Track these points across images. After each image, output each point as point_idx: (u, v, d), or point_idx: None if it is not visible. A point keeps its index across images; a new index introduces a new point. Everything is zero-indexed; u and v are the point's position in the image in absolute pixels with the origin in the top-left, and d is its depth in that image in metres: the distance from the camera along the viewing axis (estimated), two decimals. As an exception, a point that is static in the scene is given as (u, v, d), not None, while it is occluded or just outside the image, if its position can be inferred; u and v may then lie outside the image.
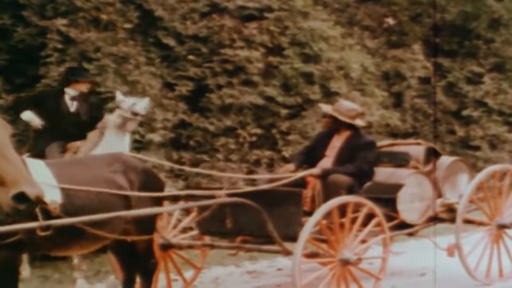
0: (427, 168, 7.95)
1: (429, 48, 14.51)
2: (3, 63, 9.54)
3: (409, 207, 7.50)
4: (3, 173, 4.21)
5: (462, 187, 8.09)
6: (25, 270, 8.22)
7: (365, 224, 6.95)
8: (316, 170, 7.45)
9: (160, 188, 6.49)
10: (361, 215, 6.84)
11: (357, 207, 6.89)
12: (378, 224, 7.03)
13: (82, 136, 8.24)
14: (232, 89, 11.21)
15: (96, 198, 5.91)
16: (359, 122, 7.72)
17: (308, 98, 11.67)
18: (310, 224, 6.55)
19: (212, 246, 7.49)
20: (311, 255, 6.79)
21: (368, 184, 7.48)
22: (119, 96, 7.98)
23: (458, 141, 14.35)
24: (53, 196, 5.55)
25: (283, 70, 11.61)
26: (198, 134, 10.94)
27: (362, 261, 6.96)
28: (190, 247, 7.66)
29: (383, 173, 7.75)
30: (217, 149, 11.01)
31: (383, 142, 8.66)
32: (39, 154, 7.60)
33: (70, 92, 8.41)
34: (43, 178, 5.32)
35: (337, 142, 7.68)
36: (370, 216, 7.00)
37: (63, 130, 8.30)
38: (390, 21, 14.72)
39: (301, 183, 7.37)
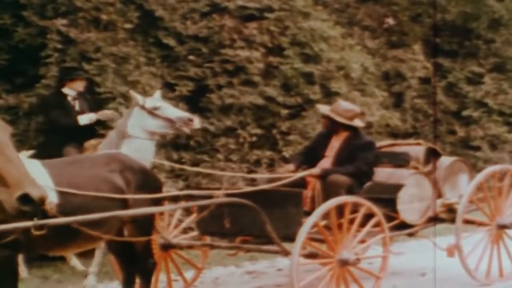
0: (427, 169, 7.96)
1: (429, 48, 14.51)
2: (3, 63, 9.54)
3: (409, 207, 7.50)
4: (6, 175, 4.21)
5: (462, 188, 8.09)
6: (23, 272, 8.24)
7: (364, 224, 6.95)
8: (315, 170, 7.46)
9: (158, 187, 6.48)
10: (359, 215, 6.84)
11: (356, 207, 6.89)
12: (378, 224, 7.03)
13: (92, 134, 8.40)
14: (232, 89, 11.21)
15: (92, 198, 5.90)
16: (357, 123, 7.72)
17: (309, 98, 11.66)
18: (307, 225, 6.55)
19: (211, 246, 7.50)
20: (310, 256, 6.79)
21: (368, 184, 7.48)
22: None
23: (458, 142, 14.34)
24: (49, 197, 5.53)
25: (284, 70, 11.61)
26: (198, 134, 10.92)
27: (361, 261, 6.96)
28: (190, 247, 7.66)
29: (383, 174, 7.75)
30: (217, 149, 11.01)
31: (383, 142, 8.66)
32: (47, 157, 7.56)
33: (69, 92, 8.47)
34: (39, 178, 5.29)
35: (336, 143, 7.69)
36: (370, 216, 7.00)
37: (76, 130, 8.35)
38: (390, 21, 14.71)
39: (301, 184, 7.37)
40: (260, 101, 11.31)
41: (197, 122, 7.88)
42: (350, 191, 7.24)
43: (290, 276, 6.54)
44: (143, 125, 7.76)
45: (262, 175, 9.00)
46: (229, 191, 6.85)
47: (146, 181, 6.35)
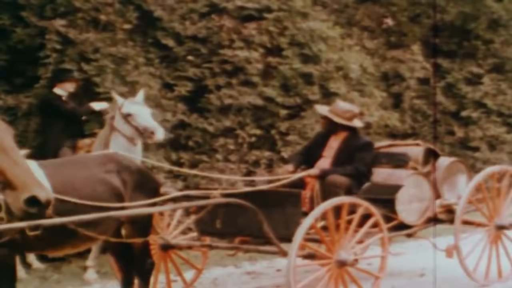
0: (426, 169, 7.96)
1: (428, 48, 14.51)
2: (2, 64, 9.53)
3: (408, 208, 7.50)
4: (13, 177, 4.21)
5: (461, 188, 8.09)
6: (20, 271, 8.26)
7: (363, 224, 6.95)
8: (314, 171, 7.46)
9: (155, 187, 6.48)
10: (356, 216, 6.84)
11: (354, 208, 6.89)
12: (376, 224, 7.03)
13: (81, 133, 8.57)
14: (231, 90, 11.21)
15: (89, 199, 5.89)
16: (356, 123, 7.72)
17: (307, 98, 11.66)
18: (304, 226, 6.55)
19: (210, 247, 7.49)
20: (308, 256, 6.79)
21: (367, 185, 7.49)
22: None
23: (457, 142, 14.35)
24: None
25: (282, 70, 11.61)
26: (197, 134, 10.93)
27: (359, 261, 6.95)
28: (189, 247, 7.66)
29: (382, 174, 7.76)
30: (216, 149, 11.01)
31: (382, 143, 8.66)
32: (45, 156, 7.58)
33: (60, 92, 8.56)
34: None
35: (334, 143, 7.69)
36: (368, 217, 7.00)
37: (71, 129, 8.43)
38: (389, 21, 14.72)
39: (300, 184, 7.37)
40: (259, 101, 11.32)
41: (159, 134, 8.05)
42: (348, 191, 7.25)
43: (287, 277, 6.54)
44: (121, 128, 8.06)
45: (260, 177, 8.98)
46: (227, 191, 6.85)
47: (143, 181, 6.35)
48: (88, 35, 9.87)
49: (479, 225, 8.20)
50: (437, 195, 7.93)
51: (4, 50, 9.60)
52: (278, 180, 7.31)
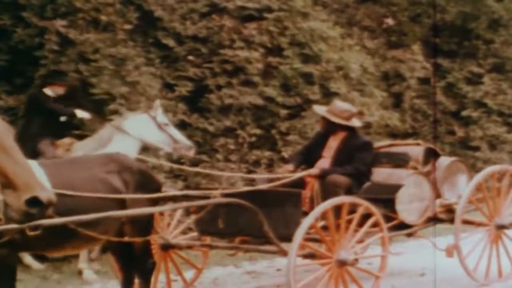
0: (426, 169, 7.96)
1: (428, 48, 14.52)
2: (2, 64, 9.54)
3: (408, 207, 7.50)
4: (15, 178, 4.19)
5: (461, 188, 8.09)
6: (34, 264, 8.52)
7: (363, 224, 6.95)
8: (314, 171, 7.46)
9: (157, 188, 6.46)
10: (357, 215, 6.85)
11: (354, 208, 6.89)
12: (376, 224, 7.03)
13: (63, 134, 8.66)
14: (231, 90, 11.22)
15: (89, 198, 5.89)
16: (354, 123, 7.73)
17: (308, 98, 11.67)
18: (304, 225, 6.55)
19: (211, 247, 7.50)
20: (308, 256, 6.80)
21: (367, 184, 7.49)
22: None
23: (457, 142, 14.36)
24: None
25: (283, 70, 11.62)
26: (198, 134, 10.93)
27: (359, 261, 6.96)
28: (190, 247, 7.67)
29: (382, 174, 7.76)
30: (216, 149, 11.02)
31: (382, 143, 8.67)
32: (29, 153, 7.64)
33: (49, 93, 8.62)
34: None
35: (333, 143, 7.70)
36: (368, 216, 7.00)
37: (53, 128, 8.53)
38: (390, 21, 14.72)
39: (300, 184, 7.38)
40: (259, 101, 11.32)
41: (193, 151, 8.84)
42: (349, 191, 7.25)
43: (287, 276, 6.54)
44: (143, 132, 8.45)
45: (261, 175, 8.99)
46: (227, 191, 6.85)
47: (145, 182, 6.34)
48: (89, 36, 9.88)
49: (479, 224, 8.20)
50: (437, 195, 7.93)
51: (4, 50, 9.60)
52: (278, 178, 7.31)
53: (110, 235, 6.14)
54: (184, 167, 9.52)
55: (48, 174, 5.75)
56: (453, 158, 8.50)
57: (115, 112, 9.57)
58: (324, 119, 7.78)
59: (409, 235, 7.85)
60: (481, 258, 7.93)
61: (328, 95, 11.67)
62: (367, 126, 12.06)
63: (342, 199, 6.87)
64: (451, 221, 7.89)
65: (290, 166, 7.71)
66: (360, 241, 6.98)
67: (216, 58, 11.27)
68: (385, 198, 7.36)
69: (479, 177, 8.03)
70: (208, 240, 7.59)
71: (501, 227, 8.13)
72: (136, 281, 6.56)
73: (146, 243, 6.48)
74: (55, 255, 7.08)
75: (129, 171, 6.25)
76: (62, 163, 6.37)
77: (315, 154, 7.75)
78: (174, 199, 6.79)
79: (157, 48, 10.94)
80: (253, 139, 11.27)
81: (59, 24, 9.72)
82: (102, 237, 6.03)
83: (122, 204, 6.10)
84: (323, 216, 6.73)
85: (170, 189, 7.33)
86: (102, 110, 9.50)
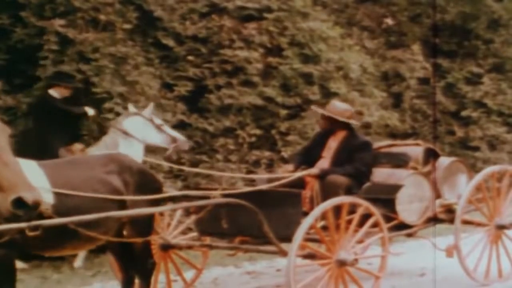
0: (426, 169, 7.95)
1: (428, 48, 14.51)
2: (1, 64, 9.53)
3: (408, 207, 7.50)
4: (1, 179, 4.19)
5: (461, 188, 8.09)
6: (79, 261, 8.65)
7: (363, 224, 6.95)
8: (314, 171, 7.46)
9: (157, 188, 6.45)
10: (356, 215, 6.84)
11: (354, 208, 6.89)
12: (376, 224, 7.03)
13: (77, 136, 8.78)
14: (231, 90, 11.21)
15: (89, 199, 5.88)
16: (354, 122, 7.74)
17: (308, 98, 11.66)
18: (304, 226, 6.55)
19: (211, 247, 7.49)
20: (308, 256, 6.79)
21: (367, 184, 7.48)
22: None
23: (457, 142, 14.35)
24: (44, 197, 5.50)
25: (282, 70, 11.61)
26: (197, 134, 10.93)
27: (359, 261, 6.95)
28: (189, 247, 7.66)
29: (382, 174, 7.76)
30: (216, 149, 11.01)
31: (382, 143, 8.65)
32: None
33: (54, 94, 8.62)
34: (35, 179, 5.27)
35: (333, 143, 7.69)
36: (368, 216, 6.99)
37: (66, 131, 8.51)
38: (389, 21, 14.71)
39: (300, 184, 7.37)
40: (259, 101, 11.32)
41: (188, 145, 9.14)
42: (348, 191, 7.25)
43: (287, 277, 6.54)
44: (144, 135, 8.68)
45: (260, 175, 8.99)
46: (227, 191, 6.85)
47: (145, 182, 6.33)
48: (88, 35, 9.87)
49: (479, 224, 8.19)
50: (437, 195, 7.93)
51: (3, 50, 9.59)
52: (278, 179, 7.31)
53: (110, 235, 6.13)
54: (184, 167, 9.53)
55: (47, 175, 5.75)
56: (453, 158, 8.50)
57: (111, 111, 9.57)
58: (326, 119, 7.76)
59: (409, 235, 7.84)
60: (481, 258, 7.93)
61: (328, 95, 11.66)
62: (367, 126, 12.06)
63: (342, 199, 6.87)
64: (451, 221, 7.89)
65: (290, 167, 7.71)
66: (360, 241, 6.98)
67: (216, 58, 11.27)
68: (385, 198, 7.35)
69: (479, 177, 8.03)
70: (208, 240, 7.58)
71: (501, 227, 8.13)
72: (136, 281, 6.56)
73: (146, 243, 6.48)
74: (54, 255, 7.07)
75: (129, 171, 6.24)
76: (62, 163, 6.35)
77: (315, 154, 7.74)
78: (173, 199, 6.79)
79: (157, 48, 10.93)
80: (253, 139, 11.26)
81: (58, 23, 9.71)
82: (102, 237, 6.02)
83: (122, 204, 6.09)
84: (323, 216, 6.73)
85: (170, 189, 7.33)
86: (99, 108, 9.49)
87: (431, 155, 8.10)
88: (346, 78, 12.32)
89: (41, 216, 5.42)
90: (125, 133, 8.50)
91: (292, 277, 6.48)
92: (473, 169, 10.60)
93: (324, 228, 6.79)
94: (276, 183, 7.24)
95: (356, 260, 6.83)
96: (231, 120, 11.16)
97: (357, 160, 7.46)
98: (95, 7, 10.06)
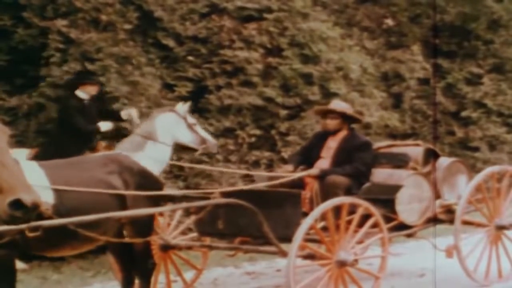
0: (426, 169, 7.96)
1: (428, 49, 14.52)
2: (3, 64, 9.54)
3: (408, 208, 7.51)
4: (0, 180, 4.19)
5: (460, 188, 8.10)
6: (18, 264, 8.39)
7: (363, 225, 6.96)
8: (314, 171, 7.47)
9: (158, 189, 6.46)
10: (356, 216, 6.85)
11: (354, 208, 6.90)
12: (376, 225, 7.04)
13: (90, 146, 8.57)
14: (231, 90, 11.22)
15: (89, 199, 5.88)
16: (361, 118, 7.81)
17: (308, 99, 11.67)
18: (304, 226, 6.56)
19: (210, 247, 7.50)
20: (308, 257, 6.80)
21: (367, 185, 7.49)
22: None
23: (457, 142, 14.35)
24: (45, 198, 5.50)
25: (282, 71, 11.62)
26: (197, 134, 10.92)
27: (359, 262, 6.96)
28: (189, 248, 7.67)
29: (382, 174, 7.76)
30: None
31: (382, 143, 8.66)
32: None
33: (82, 95, 8.52)
34: (35, 179, 5.27)
35: (333, 143, 7.70)
36: (368, 217, 7.00)
37: (91, 136, 8.49)
38: (389, 22, 14.72)
39: (300, 184, 7.38)
40: (259, 101, 11.32)
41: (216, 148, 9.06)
42: (348, 191, 7.26)
43: (286, 277, 6.55)
44: (174, 133, 8.51)
45: (260, 173, 8.99)
46: (226, 189, 6.85)
47: (146, 182, 6.33)
48: (90, 35, 9.88)
49: (479, 225, 8.20)
50: (437, 195, 7.94)
51: (5, 50, 9.60)
52: (278, 178, 7.32)
53: (110, 236, 6.14)
54: (186, 164, 9.54)
55: (48, 175, 5.75)
56: (452, 159, 8.51)
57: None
58: (331, 118, 7.71)
59: (409, 235, 7.85)
60: (481, 258, 7.94)
61: (327, 96, 11.67)
62: (367, 126, 12.06)
63: (341, 200, 6.88)
64: (451, 221, 7.90)
65: (289, 167, 7.72)
66: (360, 241, 6.99)
67: (216, 58, 11.27)
68: (385, 198, 7.36)
69: (478, 177, 8.04)
70: (208, 240, 7.59)
71: (501, 228, 8.14)
72: (136, 281, 6.57)
73: (146, 243, 6.49)
74: (54, 255, 7.08)
75: (130, 172, 6.25)
76: (62, 164, 6.36)
77: (314, 154, 7.75)
78: (173, 199, 6.79)
79: (157, 48, 10.94)
80: (253, 139, 11.27)
81: (60, 24, 9.72)
82: (102, 238, 6.03)
83: (122, 205, 6.10)
84: (323, 216, 6.73)
85: (170, 190, 7.34)
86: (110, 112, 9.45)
87: (431, 156, 8.11)
88: (346, 79, 12.33)
89: (41, 217, 5.43)
90: (151, 138, 8.35)
91: (292, 277, 6.49)
92: (473, 169, 10.61)
93: (324, 228, 6.80)
94: (276, 182, 7.25)
95: (356, 260, 6.84)
96: (231, 121, 11.17)
97: (357, 160, 7.47)
98: (96, 7, 10.07)
